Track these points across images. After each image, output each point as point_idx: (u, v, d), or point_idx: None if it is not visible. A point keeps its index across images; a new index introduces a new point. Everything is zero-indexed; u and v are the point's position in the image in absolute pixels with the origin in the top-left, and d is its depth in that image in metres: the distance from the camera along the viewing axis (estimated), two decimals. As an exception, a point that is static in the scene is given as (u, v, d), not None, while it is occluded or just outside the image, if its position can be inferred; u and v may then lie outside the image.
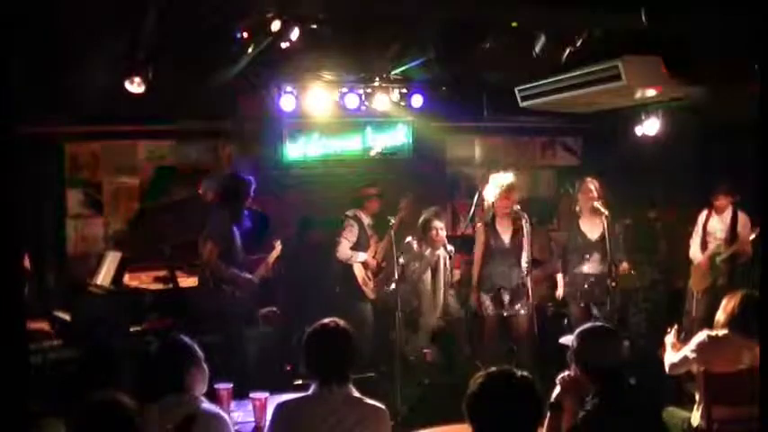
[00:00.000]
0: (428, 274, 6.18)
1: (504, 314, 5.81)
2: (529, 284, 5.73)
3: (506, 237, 5.86)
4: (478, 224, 6.02)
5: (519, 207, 5.78)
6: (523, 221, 5.70)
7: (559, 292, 6.22)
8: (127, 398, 2.45)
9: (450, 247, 6.12)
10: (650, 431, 3.05)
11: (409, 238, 6.21)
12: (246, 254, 5.47)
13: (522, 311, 5.77)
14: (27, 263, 5.55)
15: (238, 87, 6.34)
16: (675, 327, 4.32)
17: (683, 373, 4.22)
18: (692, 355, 4.04)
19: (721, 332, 4.04)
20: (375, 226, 6.51)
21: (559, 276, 6.25)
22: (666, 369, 4.21)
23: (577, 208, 6.20)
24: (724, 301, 4.14)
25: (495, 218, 5.90)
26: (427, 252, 6.11)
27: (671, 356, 4.18)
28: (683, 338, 4.29)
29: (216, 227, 5.16)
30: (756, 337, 3.84)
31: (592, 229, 6.10)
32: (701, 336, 4.07)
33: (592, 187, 6.10)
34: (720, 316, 4.11)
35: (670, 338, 4.25)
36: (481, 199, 6.01)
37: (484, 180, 6.16)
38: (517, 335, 5.83)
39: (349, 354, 2.98)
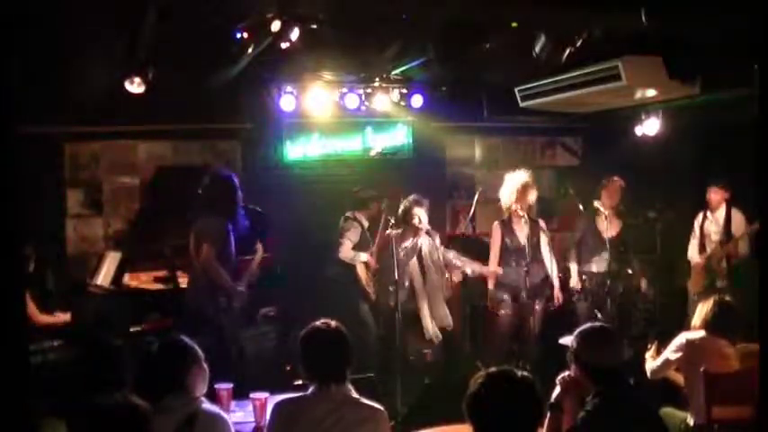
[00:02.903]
0: (415, 266, 5.97)
1: (521, 314, 5.77)
2: (557, 285, 5.74)
3: (522, 236, 5.81)
4: (495, 223, 5.98)
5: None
6: (522, 221, 5.71)
7: (573, 281, 6.21)
8: (140, 399, 2.45)
9: (432, 235, 5.92)
10: (650, 431, 3.05)
11: (389, 231, 6.01)
12: (243, 255, 5.42)
13: (538, 312, 5.77)
14: (32, 267, 5.55)
15: (238, 87, 6.34)
16: (656, 343, 4.47)
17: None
18: (672, 357, 4.19)
19: (698, 334, 4.17)
20: (372, 228, 6.51)
21: (574, 267, 6.26)
22: (648, 375, 4.36)
23: (600, 206, 6.19)
24: (699, 306, 4.33)
25: (512, 217, 5.87)
26: (408, 242, 5.89)
27: (651, 363, 4.34)
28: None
29: (213, 231, 5.03)
30: (732, 338, 4.12)
31: (608, 228, 6.12)
32: (680, 338, 4.22)
33: (617, 187, 6.18)
34: (696, 320, 4.27)
35: (649, 354, 4.43)
36: (482, 197, 6.00)
37: (484, 180, 6.15)
38: (525, 335, 5.81)
39: (344, 354, 2.98)
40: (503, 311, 5.80)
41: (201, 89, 6.00)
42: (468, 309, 6.78)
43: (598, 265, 6.16)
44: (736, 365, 4.08)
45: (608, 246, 5.94)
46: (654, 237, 7.52)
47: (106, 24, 4.69)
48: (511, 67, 6.00)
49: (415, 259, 5.96)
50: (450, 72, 6.39)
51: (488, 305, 5.91)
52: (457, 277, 6.66)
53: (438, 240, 6.08)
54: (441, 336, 6.03)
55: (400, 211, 6.00)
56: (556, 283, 5.86)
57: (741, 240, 6.45)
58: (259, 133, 7.13)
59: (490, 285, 5.87)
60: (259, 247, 5.56)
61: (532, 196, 5.77)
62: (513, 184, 5.78)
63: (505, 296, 5.78)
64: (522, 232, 5.82)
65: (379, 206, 6.50)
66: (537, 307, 5.77)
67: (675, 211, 7.49)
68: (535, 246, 5.76)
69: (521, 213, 5.73)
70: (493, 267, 5.87)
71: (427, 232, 5.92)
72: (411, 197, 6.01)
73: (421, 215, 5.91)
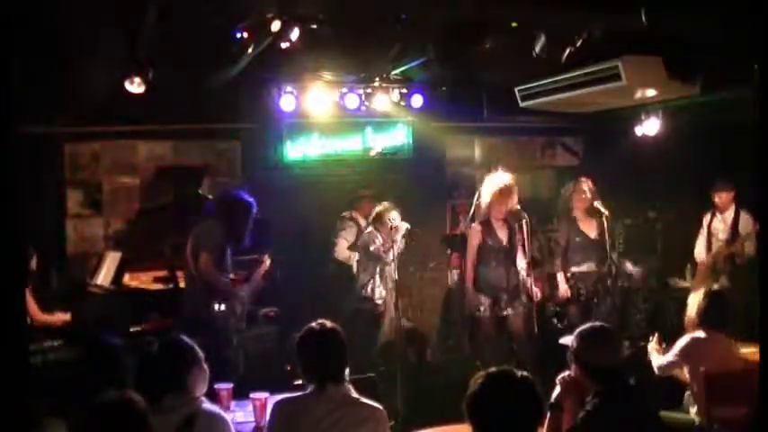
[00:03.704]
0: (392, 266, 6.11)
1: (501, 314, 5.69)
2: (530, 284, 5.69)
3: (503, 236, 5.77)
4: (473, 224, 5.89)
5: (518, 207, 5.72)
6: (524, 221, 5.66)
7: (562, 290, 6.20)
8: (138, 397, 2.45)
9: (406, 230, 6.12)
10: (650, 431, 3.05)
11: (370, 228, 6.19)
12: (240, 255, 5.39)
13: (519, 311, 5.70)
14: (34, 264, 5.55)
15: (238, 87, 6.34)
16: (657, 334, 4.48)
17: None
18: (679, 359, 4.19)
19: (701, 333, 4.18)
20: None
21: (560, 275, 6.24)
22: (656, 371, 4.35)
23: (572, 208, 6.20)
24: (690, 300, 4.35)
25: (491, 218, 5.78)
26: (379, 240, 6.09)
27: (658, 359, 4.34)
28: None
29: (212, 240, 4.96)
30: (727, 331, 4.18)
31: (589, 228, 6.12)
32: (685, 338, 4.22)
33: (585, 188, 6.13)
34: (691, 313, 4.29)
35: (653, 345, 4.42)
36: (478, 198, 5.96)
37: (483, 180, 6.11)
38: (515, 335, 5.77)
39: (341, 354, 2.98)
40: (480, 313, 5.73)
41: (201, 89, 6.00)
42: (466, 309, 6.79)
43: (588, 265, 6.14)
44: (740, 363, 4.09)
45: (606, 245, 5.92)
46: (654, 237, 7.54)
47: (106, 24, 4.69)
48: (511, 67, 6.00)
49: (392, 258, 6.04)
50: (450, 72, 6.39)
51: (466, 306, 5.86)
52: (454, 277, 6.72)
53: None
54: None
55: (373, 216, 6.21)
56: (529, 281, 5.77)
57: (747, 240, 6.45)
58: (259, 133, 7.13)
59: (469, 285, 5.80)
60: (266, 259, 5.42)
61: (512, 200, 5.67)
62: (492, 188, 5.70)
63: (483, 297, 5.71)
64: (502, 232, 5.75)
65: (371, 206, 6.51)
66: (519, 307, 5.70)
67: (675, 211, 7.50)
68: (516, 246, 5.73)
69: (500, 215, 5.69)
70: (470, 269, 5.81)
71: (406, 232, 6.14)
72: (385, 203, 6.17)
73: (392, 218, 6.00)
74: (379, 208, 6.19)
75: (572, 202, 6.21)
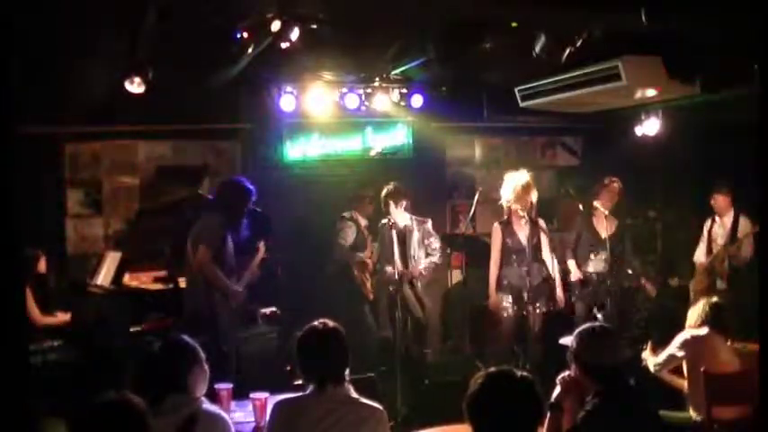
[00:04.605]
0: (396, 252, 5.98)
1: (523, 314, 5.71)
2: (559, 285, 5.79)
3: (523, 236, 5.77)
4: (495, 225, 5.93)
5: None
6: (539, 222, 5.73)
7: (573, 275, 6.24)
8: (137, 398, 2.45)
9: (428, 226, 6.22)
10: (649, 430, 3.05)
11: (384, 221, 6.05)
12: (242, 255, 5.39)
13: (541, 311, 5.75)
14: (43, 266, 5.56)
15: (238, 87, 6.34)
16: (650, 342, 4.54)
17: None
18: (678, 353, 4.22)
19: (702, 331, 4.21)
20: (371, 227, 6.51)
21: (571, 262, 6.28)
22: (652, 370, 4.39)
23: (598, 205, 6.19)
24: (690, 313, 4.39)
25: (512, 218, 5.82)
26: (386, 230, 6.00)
27: (653, 359, 4.39)
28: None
29: (209, 232, 5.00)
30: (728, 336, 4.21)
31: (602, 228, 6.14)
32: (685, 334, 4.25)
33: (617, 187, 6.23)
34: (691, 321, 4.33)
35: (647, 352, 4.49)
36: (482, 197, 5.98)
37: (484, 180, 6.14)
38: (527, 335, 5.78)
39: (341, 354, 2.97)
40: (505, 313, 5.75)
41: (201, 89, 6.00)
42: (468, 309, 6.79)
43: (595, 265, 6.17)
44: (737, 364, 4.10)
45: (607, 245, 5.94)
46: (654, 237, 7.54)
47: (106, 24, 4.69)
48: (511, 67, 6.00)
49: (396, 246, 5.92)
50: (450, 72, 6.39)
51: (490, 306, 5.86)
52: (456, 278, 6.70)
53: (429, 225, 6.32)
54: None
55: (381, 198, 6.18)
56: (558, 282, 5.83)
57: (744, 242, 6.46)
58: (259, 133, 7.14)
59: (492, 286, 5.82)
60: (261, 246, 5.45)
61: (533, 196, 5.72)
62: (514, 185, 5.74)
63: (508, 297, 5.74)
64: (522, 232, 5.78)
65: (371, 206, 6.50)
66: (538, 307, 5.74)
67: (675, 211, 7.50)
68: (535, 246, 5.74)
69: (521, 213, 5.70)
70: (494, 269, 5.84)
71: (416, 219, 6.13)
72: (391, 184, 6.11)
73: (391, 206, 6.00)
74: (384, 192, 6.17)
75: (600, 200, 6.23)
